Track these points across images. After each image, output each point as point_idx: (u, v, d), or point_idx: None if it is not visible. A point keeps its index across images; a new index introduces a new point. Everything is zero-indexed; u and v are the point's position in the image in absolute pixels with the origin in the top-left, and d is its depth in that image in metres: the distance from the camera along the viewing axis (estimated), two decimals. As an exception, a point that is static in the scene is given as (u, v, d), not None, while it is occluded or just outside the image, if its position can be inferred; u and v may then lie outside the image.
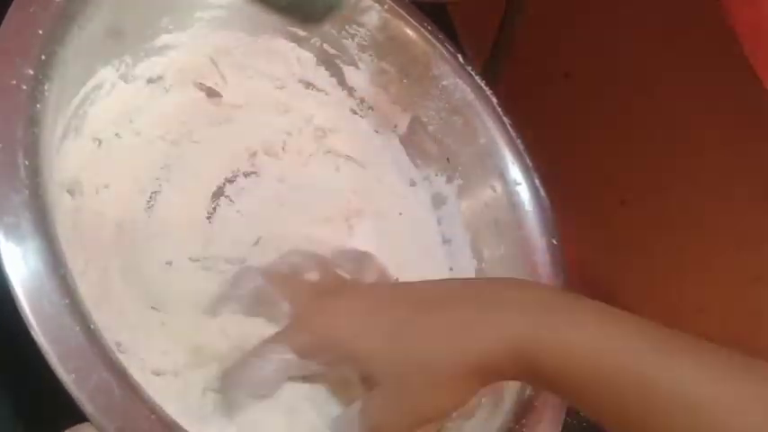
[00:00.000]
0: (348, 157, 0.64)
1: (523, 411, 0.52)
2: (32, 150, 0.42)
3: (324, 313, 0.48)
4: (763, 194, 0.52)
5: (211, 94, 0.61)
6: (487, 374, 0.44)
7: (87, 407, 0.39)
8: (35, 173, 0.41)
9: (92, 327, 0.40)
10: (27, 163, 0.41)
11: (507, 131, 0.64)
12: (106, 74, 0.54)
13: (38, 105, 0.43)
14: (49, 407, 0.44)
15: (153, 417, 0.40)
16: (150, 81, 0.57)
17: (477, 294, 0.46)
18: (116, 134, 0.54)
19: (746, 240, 0.55)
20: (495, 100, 0.64)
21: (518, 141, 0.64)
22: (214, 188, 0.56)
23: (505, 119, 0.64)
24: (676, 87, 0.57)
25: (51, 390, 0.39)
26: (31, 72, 0.43)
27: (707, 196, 0.56)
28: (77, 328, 0.39)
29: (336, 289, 0.50)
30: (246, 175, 0.59)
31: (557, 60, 0.67)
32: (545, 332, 0.41)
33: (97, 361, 0.39)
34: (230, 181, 0.57)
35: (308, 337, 0.47)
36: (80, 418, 0.39)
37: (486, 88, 0.64)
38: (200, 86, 0.61)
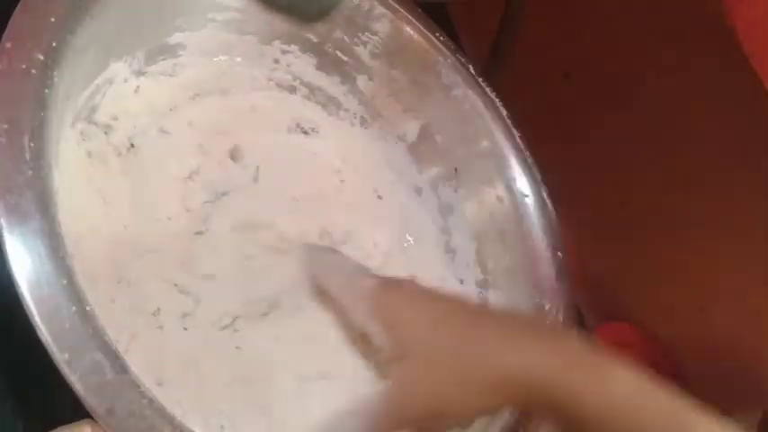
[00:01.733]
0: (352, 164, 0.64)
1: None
2: (38, 133, 0.43)
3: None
4: (763, 194, 0.51)
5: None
6: (510, 390, 0.46)
7: (78, 387, 0.39)
8: (39, 154, 0.42)
9: (88, 308, 0.40)
10: (32, 145, 0.42)
11: (516, 143, 0.64)
12: (118, 68, 0.54)
13: (46, 90, 0.44)
14: (49, 400, 0.44)
15: (144, 401, 0.40)
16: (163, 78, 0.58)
17: (535, 327, 0.50)
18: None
19: (746, 240, 0.54)
20: (504, 111, 0.64)
21: (527, 154, 0.64)
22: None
23: (515, 131, 0.64)
24: (676, 87, 0.57)
25: (51, 382, 0.39)
26: (41, 58, 0.44)
27: (707, 196, 0.56)
28: (73, 309, 0.40)
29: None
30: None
31: (557, 60, 0.67)
32: (567, 379, 0.44)
33: (91, 342, 0.40)
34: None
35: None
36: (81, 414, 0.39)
37: (496, 99, 0.64)
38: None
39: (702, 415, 0.42)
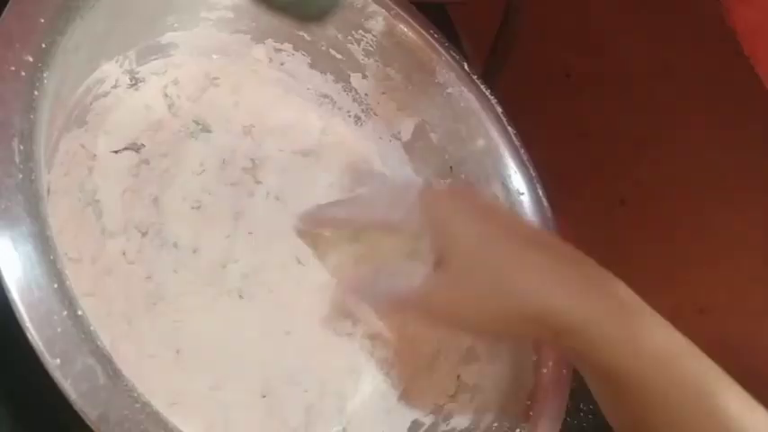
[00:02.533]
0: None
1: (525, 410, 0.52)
2: (28, 136, 0.42)
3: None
4: (762, 194, 0.52)
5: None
6: (538, 327, 0.46)
7: (70, 393, 0.38)
8: (29, 158, 0.41)
9: (79, 313, 0.40)
10: (22, 148, 0.41)
11: (511, 140, 0.64)
12: (109, 69, 0.54)
13: (36, 92, 0.43)
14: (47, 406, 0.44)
15: (137, 405, 0.39)
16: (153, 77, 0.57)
17: (581, 264, 0.48)
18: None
19: (746, 240, 0.54)
20: (499, 109, 0.64)
21: (522, 151, 0.64)
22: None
23: (510, 128, 0.64)
24: (676, 87, 0.57)
25: (47, 387, 0.38)
26: (31, 59, 0.43)
27: (707, 196, 0.56)
28: (64, 313, 0.39)
29: None
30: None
31: (557, 60, 0.67)
32: (601, 329, 0.44)
33: (83, 347, 0.39)
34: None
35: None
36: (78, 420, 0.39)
37: (491, 97, 0.64)
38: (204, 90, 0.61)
39: (735, 393, 0.41)
